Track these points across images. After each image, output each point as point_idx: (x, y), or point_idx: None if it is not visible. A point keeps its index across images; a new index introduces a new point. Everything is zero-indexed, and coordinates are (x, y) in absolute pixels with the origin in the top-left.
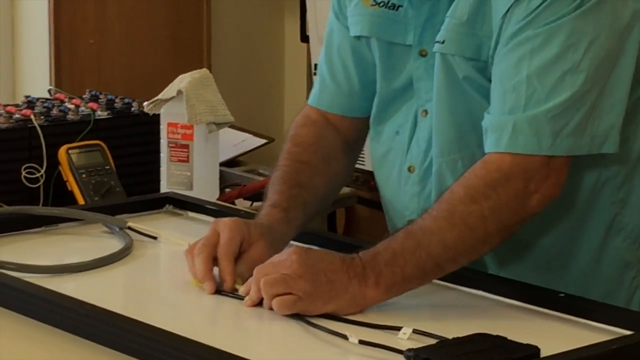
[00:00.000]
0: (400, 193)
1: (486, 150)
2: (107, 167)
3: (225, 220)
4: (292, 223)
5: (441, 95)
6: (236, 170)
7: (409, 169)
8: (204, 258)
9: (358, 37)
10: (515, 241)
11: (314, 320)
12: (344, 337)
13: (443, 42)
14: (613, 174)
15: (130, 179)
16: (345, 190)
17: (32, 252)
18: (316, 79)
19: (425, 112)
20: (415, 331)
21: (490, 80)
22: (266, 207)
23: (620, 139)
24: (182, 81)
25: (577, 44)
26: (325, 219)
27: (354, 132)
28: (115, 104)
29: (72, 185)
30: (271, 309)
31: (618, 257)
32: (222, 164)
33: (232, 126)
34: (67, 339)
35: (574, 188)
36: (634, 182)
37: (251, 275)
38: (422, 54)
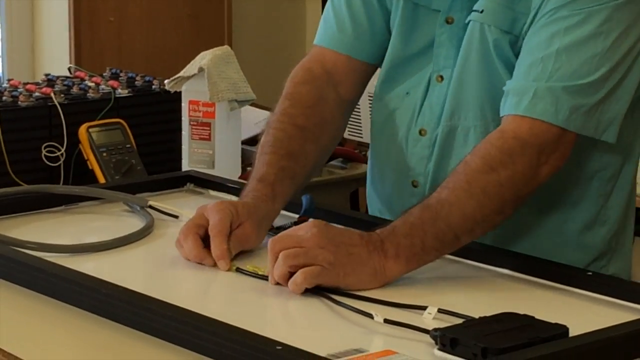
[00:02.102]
0: (407, 155)
1: (503, 113)
2: (128, 146)
3: (211, 204)
4: (278, 198)
5: (467, 63)
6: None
7: (420, 132)
8: (192, 239)
9: None
10: (506, 226)
11: (338, 299)
12: (370, 315)
13: (482, 12)
14: (603, 166)
15: (151, 158)
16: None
17: (52, 231)
18: (326, 22)
19: (441, 77)
20: (440, 310)
21: (517, 56)
22: (253, 181)
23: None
24: (204, 58)
25: (609, 31)
26: (348, 197)
27: (356, 86)
28: (136, 82)
29: (93, 164)
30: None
31: (595, 248)
32: (243, 142)
33: (254, 104)
34: (89, 318)
35: (567, 176)
36: (621, 176)
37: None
38: (448, 21)
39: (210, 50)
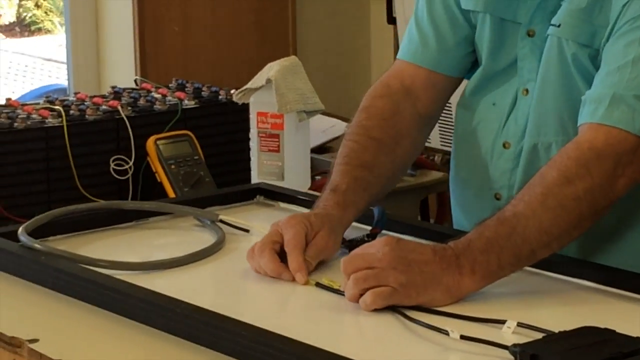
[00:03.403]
0: (490, 168)
1: (580, 122)
2: (196, 157)
3: (284, 219)
4: (350, 207)
5: (547, 77)
6: (326, 157)
7: (504, 145)
8: (269, 254)
9: (469, 11)
10: (601, 232)
11: (410, 314)
12: (445, 332)
13: (559, 26)
14: None
15: (219, 169)
16: (437, 175)
17: (123, 247)
18: (410, 36)
19: (527, 91)
20: (519, 324)
21: (597, 69)
22: (326, 191)
23: None
24: (271, 69)
25: None
26: (418, 205)
27: (436, 102)
28: (203, 93)
29: (161, 177)
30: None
31: None
32: (311, 151)
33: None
34: (162, 337)
35: None
36: None
37: (317, 262)
38: (530, 34)
39: (278, 61)
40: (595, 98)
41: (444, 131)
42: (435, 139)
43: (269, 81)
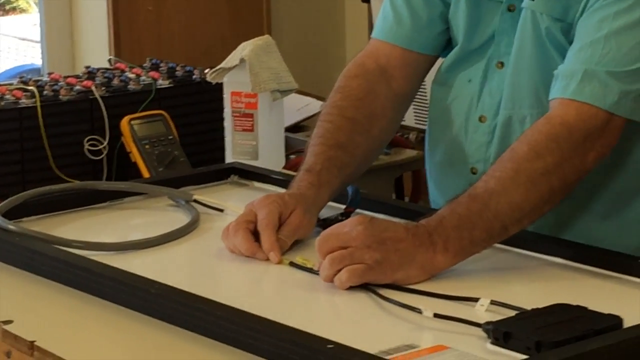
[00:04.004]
0: (466, 142)
1: (552, 97)
2: (170, 137)
3: (258, 199)
4: (324, 186)
5: (522, 50)
6: (300, 136)
7: (480, 119)
8: (243, 234)
9: None
10: (562, 210)
11: (384, 293)
12: (418, 310)
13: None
14: None
15: (194, 149)
16: (412, 153)
17: (97, 228)
18: (384, 15)
19: (501, 64)
20: (493, 302)
21: (571, 43)
22: (301, 172)
23: None
24: (245, 49)
25: None
26: (393, 183)
27: (411, 80)
28: (177, 73)
29: (136, 157)
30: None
31: None
32: (285, 130)
33: (296, 90)
34: (137, 318)
35: (628, 162)
36: None
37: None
38: (510, 9)
39: (251, 41)
40: (567, 73)
41: (419, 109)
42: (409, 117)
43: (242, 61)
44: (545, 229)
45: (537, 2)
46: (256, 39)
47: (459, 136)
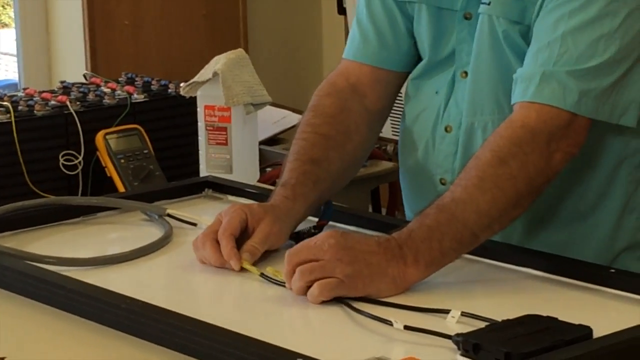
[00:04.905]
0: (434, 153)
1: (513, 101)
2: (146, 152)
3: (227, 207)
4: (299, 199)
5: (481, 56)
6: (277, 149)
7: (446, 129)
8: (210, 244)
9: (404, 2)
10: (532, 215)
11: (356, 306)
12: (389, 323)
13: (489, 4)
14: (632, 152)
15: (170, 163)
16: (388, 165)
17: (71, 243)
18: (352, 35)
19: (465, 73)
20: (463, 314)
21: (529, 45)
22: (277, 187)
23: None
24: (218, 62)
25: (616, 11)
26: (369, 195)
27: (383, 97)
28: (152, 87)
29: (111, 171)
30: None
31: (628, 236)
32: (262, 142)
33: (272, 103)
34: (109, 333)
35: (595, 164)
36: None
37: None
38: (467, 17)
39: (224, 54)
40: (526, 76)
41: (395, 121)
42: (387, 129)
43: (215, 74)
44: (514, 234)
45: (493, 6)
46: (229, 52)
47: (428, 147)
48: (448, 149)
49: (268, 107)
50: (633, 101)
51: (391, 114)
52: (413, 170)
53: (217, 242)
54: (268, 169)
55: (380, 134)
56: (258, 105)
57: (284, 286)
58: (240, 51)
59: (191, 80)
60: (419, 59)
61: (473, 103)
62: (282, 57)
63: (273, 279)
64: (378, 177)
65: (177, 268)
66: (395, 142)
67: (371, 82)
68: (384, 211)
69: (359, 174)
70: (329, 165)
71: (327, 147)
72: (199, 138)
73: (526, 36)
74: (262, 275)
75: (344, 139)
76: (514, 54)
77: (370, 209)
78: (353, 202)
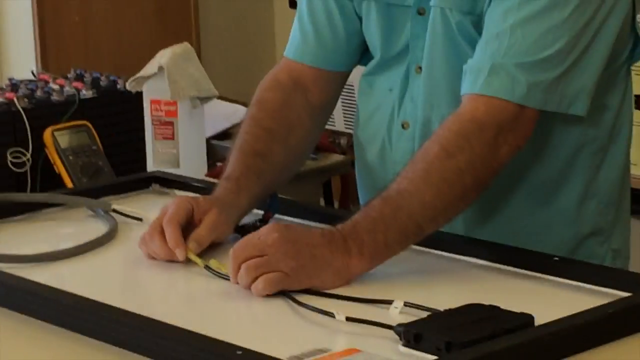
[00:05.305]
0: (392, 150)
1: (462, 93)
2: (94, 148)
3: (173, 199)
4: (243, 192)
5: (436, 50)
6: (227, 143)
7: (403, 126)
8: (158, 238)
9: (351, 2)
10: (488, 203)
11: (300, 298)
12: (331, 315)
13: None
14: (591, 139)
15: (119, 159)
16: (339, 157)
17: (15, 240)
18: (293, 33)
19: (420, 68)
20: (406, 304)
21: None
22: (221, 181)
23: (598, 106)
24: (163, 56)
25: (565, 3)
26: (320, 188)
27: (326, 93)
28: (101, 82)
29: (60, 168)
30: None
31: (590, 222)
32: (213, 137)
33: (224, 98)
34: (50, 330)
35: (553, 151)
36: (610, 149)
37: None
38: (420, 12)
39: (170, 48)
40: (476, 67)
41: (349, 114)
42: (339, 123)
43: (161, 69)
44: (470, 224)
45: None
46: (175, 46)
47: (384, 144)
48: (405, 146)
49: (219, 102)
50: (581, 91)
51: (344, 107)
52: (370, 167)
53: (164, 234)
54: (219, 163)
55: (333, 127)
56: (204, 99)
57: (228, 279)
58: (185, 45)
59: (137, 75)
60: (361, 57)
61: (429, 97)
62: (234, 52)
63: (217, 272)
64: (329, 170)
65: (121, 263)
66: (349, 135)
67: (313, 79)
68: (337, 204)
69: (309, 166)
70: (273, 159)
71: (270, 140)
72: (146, 133)
73: (479, 26)
74: (206, 267)
75: (287, 133)
76: (469, 45)
77: (322, 202)
78: (304, 195)
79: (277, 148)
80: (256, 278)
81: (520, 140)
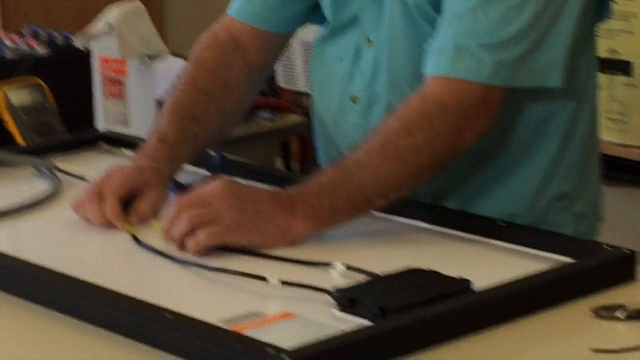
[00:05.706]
0: (342, 122)
1: (425, 73)
2: (48, 106)
3: (117, 167)
4: (178, 160)
5: (395, 31)
6: None
7: (353, 100)
8: (96, 206)
9: None
10: (454, 174)
11: (237, 258)
12: (263, 279)
13: None
14: (560, 108)
15: (73, 118)
16: (297, 119)
17: None
18: None
19: (369, 41)
20: (346, 266)
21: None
22: (153, 139)
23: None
24: (112, 14)
25: None
26: (278, 148)
27: (265, 54)
28: (56, 40)
29: (11, 126)
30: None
31: (556, 188)
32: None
33: (182, 56)
34: None
35: (520, 120)
36: (578, 117)
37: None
38: None
39: (119, 4)
40: (439, 48)
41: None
42: (302, 83)
43: (110, 26)
44: (436, 194)
45: None
46: (124, 3)
47: (337, 116)
48: (355, 120)
49: (178, 60)
50: (554, 62)
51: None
52: (324, 137)
53: (103, 201)
54: None
55: (296, 88)
56: (154, 57)
57: (157, 253)
58: (136, 2)
59: (84, 32)
60: (304, 20)
61: (391, 80)
62: (196, 9)
63: (145, 245)
64: (286, 131)
65: (61, 224)
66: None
67: (253, 39)
68: (297, 165)
69: (267, 127)
70: (208, 123)
71: (206, 102)
72: (95, 91)
73: (438, 7)
74: (134, 238)
75: (223, 95)
76: (428, 24)
77: (280, 162)
78: (261, 155)
79: (213, 112)
80: (195, 226)
81: (485, 125)
